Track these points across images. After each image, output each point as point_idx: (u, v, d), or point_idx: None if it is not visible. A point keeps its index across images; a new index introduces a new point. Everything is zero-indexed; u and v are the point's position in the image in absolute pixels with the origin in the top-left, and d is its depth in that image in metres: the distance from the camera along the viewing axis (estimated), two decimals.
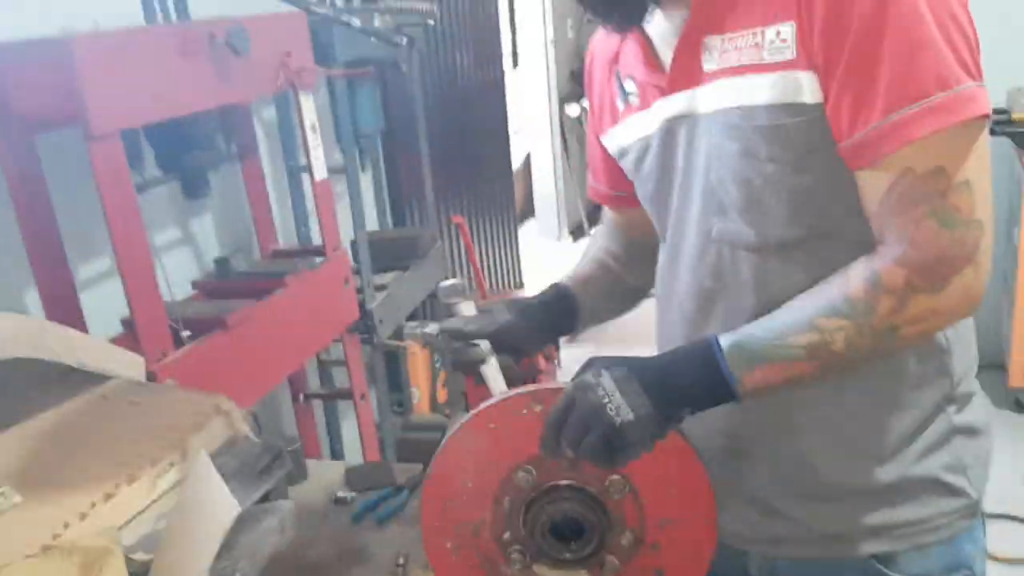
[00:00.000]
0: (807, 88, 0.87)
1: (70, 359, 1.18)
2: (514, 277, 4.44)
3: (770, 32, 0.88)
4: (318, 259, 2.26)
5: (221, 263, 2.12)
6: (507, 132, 4.41)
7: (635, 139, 1.08)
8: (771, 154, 0.90)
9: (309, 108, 2.15)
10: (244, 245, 2.35)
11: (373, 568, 1.27)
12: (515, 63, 5.09)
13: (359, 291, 2.41)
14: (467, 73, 3.85)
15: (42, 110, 1.48)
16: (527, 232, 4.85)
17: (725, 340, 0.90)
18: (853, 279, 0.88)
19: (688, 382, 0.90)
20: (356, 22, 1.97)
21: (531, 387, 0.96)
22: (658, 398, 0.88)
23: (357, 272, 2.42)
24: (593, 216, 5.72)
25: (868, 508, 1.00)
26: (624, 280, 1.27)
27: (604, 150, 1.18)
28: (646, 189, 1.10)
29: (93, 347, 1.25)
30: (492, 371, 1.09)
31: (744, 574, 1.13)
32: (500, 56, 4.39)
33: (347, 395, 2.49)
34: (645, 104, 1.05)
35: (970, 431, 1.02)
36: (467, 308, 1.19)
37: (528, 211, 5.53)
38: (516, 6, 4.91)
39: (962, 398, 1.01)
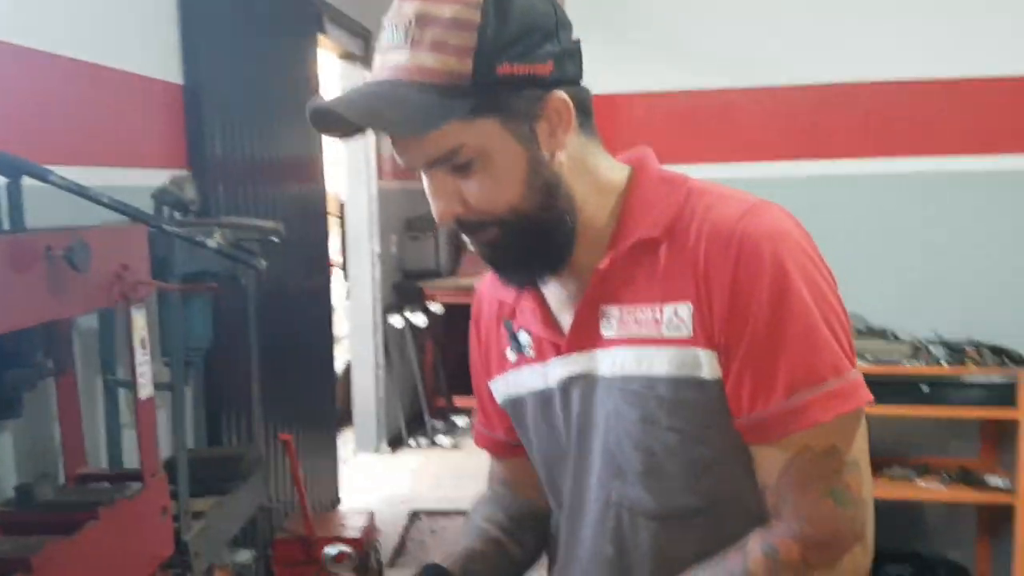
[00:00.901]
0: (706, 365, 0.90)
1: None
2: (332, 492, 4.23)
3: (668, 310, 0.92)
4: (134, 486, 2.05)
5: (23, 491, 1.88)
6: (331, 343, 4.35)
7: (529, 391, 1.07)
8: (671, 424, 0.92)
9: (140, 323, 2.03)
10: (49, 469, 2.11)
11: None
12: (346, 276, 5.12)
13: (175, 519, 2.20)
14: (295, 283, 3.81)
15: None
16: (344, 442, 4.70)
17: None
18: (752, 554, 0.89)
19: None
20: (212, 244, 1.90)
21: None
22: None
23: (174, 497, 2.22)
24: (413, 427, 5.64)
25: None
26: (511, 553, 1.16)
27: (490, 392, 1.17)
28: (540, 445, 1.08)
29: None
30: None
31: None
32: (328, 267, 4.40)
33: None
34: (541, 357, 1.05)
35: None
36: None
37: (345, 421, 5.37)
38: (347, 219, 5.01)
39: None
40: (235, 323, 2.96)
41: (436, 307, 5.68)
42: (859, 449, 0.90)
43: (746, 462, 0.93)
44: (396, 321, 5.40)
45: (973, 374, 3.00)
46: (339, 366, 5.01)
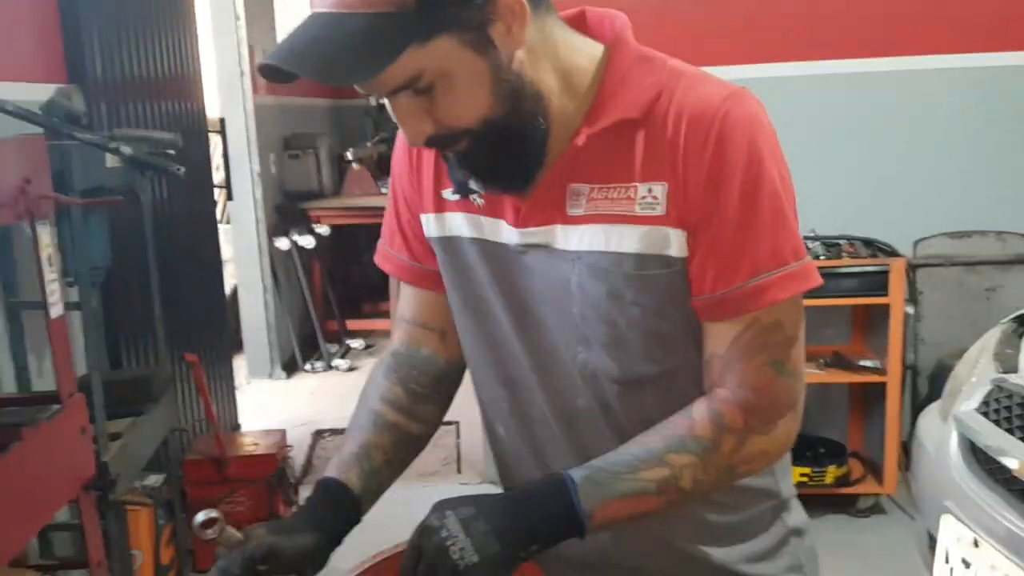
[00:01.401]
0: (675, 243, 0.94)
1: None
2: (231, 418, 4.18)
3: (643, 188, 0.95)
4: (52, 407, 1.99)
5: None
6: (220, 265, 4.23)
7: (470, 237, 1.05)
8: (636, 299, 0.97)
9: (46, 240, 1.94)
10: None
11: None
12: (230, 196, 4.94)
13: (94, 441, 2.15)
14: (179, 205, 3.67)
15: None
16: (236, 369, 4.61)
17: (577, 475, 0.92)
18: (698, 418, 0.96)
19: (538, 519, 0.90)
20: (128, 151, 1.82)
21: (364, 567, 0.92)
22: (506, 537, 0.88)
23: (91, 420, 2.16)
24: (307, 352, 5.58)
25: None
26: (410, 434, 1.14)
27: (417, 224, 1.12)
28: (478, 302, 1.07)
29: None
30: None
31: None
32: (211, 187, 4.25)
33: (76, 564, 2.17)
34: (493, 213, 1.03)
35: (799, 531, 1.13)
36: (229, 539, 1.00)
37: (235, 348, 5.26)
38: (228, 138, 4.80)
39: (787, 502, 1.13)
40: (127, 244, 2.85)
41: (323, 229, 5.58)
42: (799, 327, 0.97)
43: (698, 336, 0.99)
44: (282, 244, 5.28)
45: (848, 266, 3.22)
46: (227, 291, 4.88)
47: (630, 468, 0.93)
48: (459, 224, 1.06)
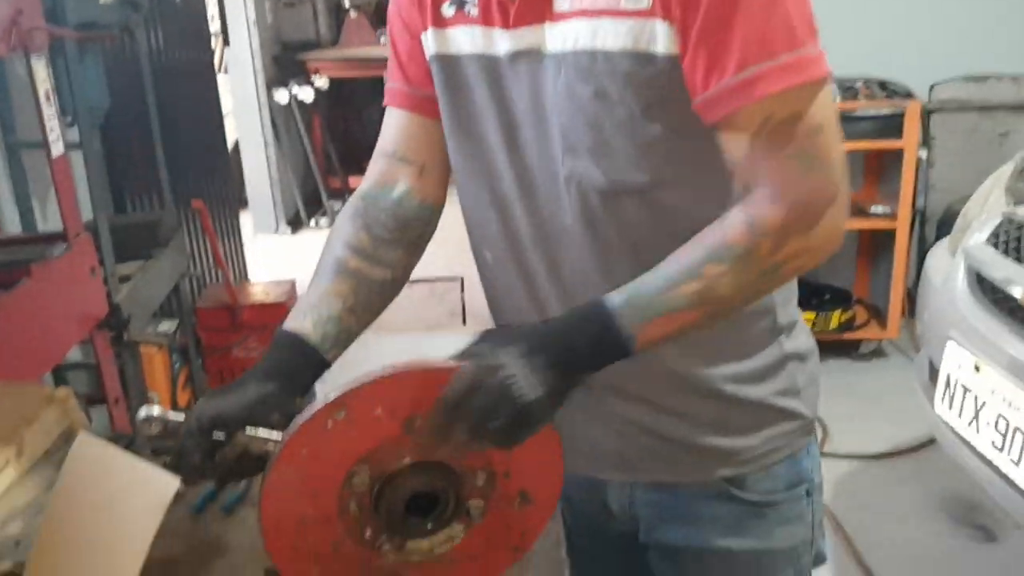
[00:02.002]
0: (661, 38, 0.90)
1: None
2: (240, 271, 4.20)
3: None
4: (59, 246, 1.99)
5: None
6: (220, 116, 4.15)
7: (468, 53, 1.02)
8: (622, 99, 0.93)
9: (43, 74, 1.89)
10: None
11: (234, 556, 1.16)
12: (226, 40, 4.79)
13: (104, 282, 2.16)
14: (177, 53, 3.57)
15: None
16: (242, 226, 4.61)
17: (616, 299, 0.91)
18: (731, 227, 0.92)
19: (586, 348, 0.90)
20: None
21: (328, 399, 0.88)
22: (560, 369, 0.87)
23: (100, 262, 2.17)
24: (311, 208, 5.57)
25: (713, 433, 1.07)
26: (371, 278, 1.10)
27: (419, 47, 1.08)
28: (470, 122, 1.05)
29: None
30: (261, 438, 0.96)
31: (604, 507, 1.17)
32: (207, 35, 4.13)
33: (94, 400, 2.22)
34: (486, 21, 1.00)
35: (800, 356, 1.12)
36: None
37: (240, 203, 5.25)
38: None
39: (788, 327, 1.11)
40: (125, 89, 2.79)
41: (321, 82, 5.46)
42: (824, 116, 0.91)
43: (693, 145, 0.95)
44: (281, 96, 5.17)
45: (863, 108, 3.16)
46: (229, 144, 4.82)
47: (667, 285, 0.91)
48: (457, 39, 1.03)
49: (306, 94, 5.26)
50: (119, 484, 0.81)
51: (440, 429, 0.86)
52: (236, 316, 3.07)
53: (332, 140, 5.77)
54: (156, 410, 0.91)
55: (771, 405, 1.08)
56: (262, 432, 0.93)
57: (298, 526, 0.91)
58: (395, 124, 1.14)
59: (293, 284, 3.40)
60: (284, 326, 1.03)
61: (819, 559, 1.19)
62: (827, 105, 0.92)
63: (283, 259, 4.95)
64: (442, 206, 1.16)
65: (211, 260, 3.46)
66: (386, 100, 1.14)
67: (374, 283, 1.09)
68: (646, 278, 0.92)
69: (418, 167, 1.12)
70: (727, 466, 1.08)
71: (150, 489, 0.80)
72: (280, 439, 0.90)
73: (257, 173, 5.22)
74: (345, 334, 1.05)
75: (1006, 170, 2.19)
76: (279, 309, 3.16)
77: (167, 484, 0.81)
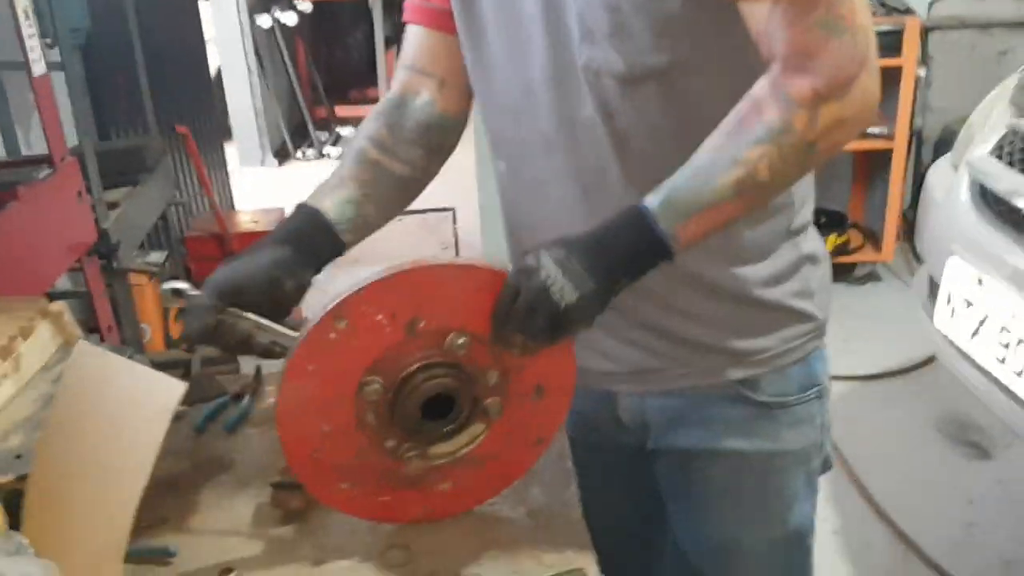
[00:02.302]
0: None
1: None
2: (227, 201, 4.14)
3: None
4: (45, 169, 1.94)
5: None
6: (203, 42, 4.05)
7: None
8: None
9: None
10: None
11: (239, 471, 1.15)
12: None
13: (92, 209, 2.12)
14: None
15: None
16: (228, 157, 4.53)
17: (654, 200, 0.89)
18: (763, 103, 0.88)
19: (625, 252, 0.89)
20: None
21: (327, 308, 0.87)
22: (600, 274, 0.87)
23: (87, 187, 2.12)
24: (297, 139, 5.47)
25: (729, 335, 1.06)
26: (391, 172, 1.10)
27: None
28: (490, 15, 1.02)
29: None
30: (270, 331, 0.94)
31: (615, 419, 1.16)
32: None
33: (86, 330, 2.19)
34: None
35: (813, 259, 1.10)
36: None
37: (225, 135, 5.16)
38: None
39: (803, 227, 1.10)
40: (106, 14, 2.70)
41: (304, 5, 5.32)
42: None
43: (710, 24, 0.92)
44: (263, 21, 5.04)
45: None
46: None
47: (704, 178, 0.88)
48: None
49: (289, 18, 5.12)
50: (122, 389, 0.78)
51: (497, 334, 0.89)
52: (225, 245, 3.03)
53: (317, 67, 5.65)
54: (183, 284, 0.92)
55: (787, 306, 1.06)
56: (268, 324, 0.92)
57: (318, 441, 0.91)
58: (414, 40, 1.14)
59: (282, 212, 3.35)
60: (310, 202, 1.03)
61: (826, 465, 1.19)
62: None
63: (270, 192, 4.88)
64: (465, 119, 1.15)
65: (198, 189, 3.40)
66: (405, 16, 1.13)
67: (393, 176, 1.10)
68: (683, 172, 0.89)
69: (438, 80, 1.12)
70: (741, 367, 1.07)
71: (155, 394, 0.78)
72: (287, 333, 0.89)
73: (241, 102, 5.11)
74: (362, 220, 1.06)
75: (1010, 83, 2.15)
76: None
77: (173, 388, 0.79)
